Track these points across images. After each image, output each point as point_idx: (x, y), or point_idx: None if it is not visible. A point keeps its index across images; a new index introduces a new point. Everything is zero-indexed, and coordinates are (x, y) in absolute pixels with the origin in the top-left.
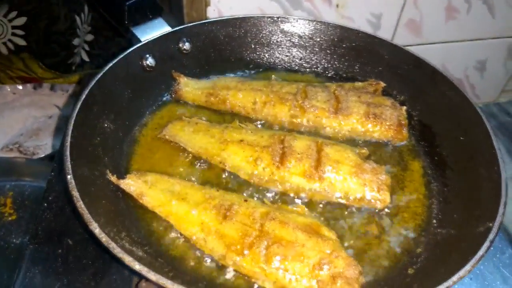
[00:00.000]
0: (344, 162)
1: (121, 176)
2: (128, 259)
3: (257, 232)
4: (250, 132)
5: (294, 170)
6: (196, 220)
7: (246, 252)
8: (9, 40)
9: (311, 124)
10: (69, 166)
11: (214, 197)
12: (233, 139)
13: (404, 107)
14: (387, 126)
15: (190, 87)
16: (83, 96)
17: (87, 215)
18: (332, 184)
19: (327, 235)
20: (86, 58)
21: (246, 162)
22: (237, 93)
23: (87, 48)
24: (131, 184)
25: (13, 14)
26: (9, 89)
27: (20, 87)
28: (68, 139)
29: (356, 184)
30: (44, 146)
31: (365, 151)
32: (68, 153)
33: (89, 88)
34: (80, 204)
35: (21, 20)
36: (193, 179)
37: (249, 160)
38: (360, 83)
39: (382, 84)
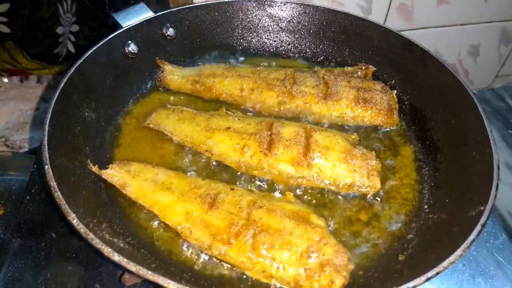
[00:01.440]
0: (333, 148)
1: (103, 166)
2: (107, 250)
3: (243, 221)
4: (237, 119)
5: (282, 157)
6: (181, 209)
7: (232, 241)
8: None
9: (300, 110)
10: (47, 155)
11: (200, 186)
12: (219, 127)
13: (395, 91)
14: (377, 110)
15: (175, 75)
16: (62, 84)
17: (64, 206)
18: (321, 171)
19: (316, 222)
20: (72, 50)
21: (233, 150)
22: (224, 80)
23: (73, 39)
24: (113, 174)
25: None
26: None
27: (6, 80)
28: (46, 127)
29: (345, 170)
30: (31, 139)
31: (355, 136)
32: (46, 142)
33: (68, 75)
34: (58, 195)
35: (4, 7)
36: (178, 168)
37: (236, 147)
38: (349, 68)
39: (372, 68)
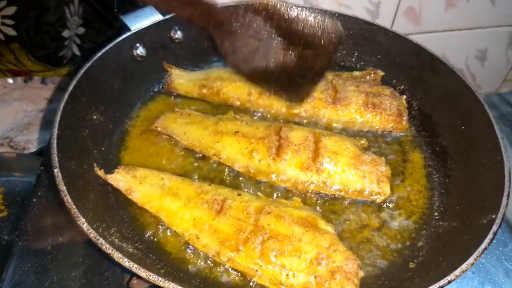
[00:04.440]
0: (342, 154)
1: (111, 169)
2: (117, 256)
3: (251, 227)
4: (245, 123)
5: (290, 162)
6: (188, 216)
7: (241, 248)
8: None
9: (308, 114)
10: (56, 159)
11: (207, 191)
12: (227, 131)
13: (404, 96)
14: (387, 116)
15: (182, 79)
16: (71, 87)
17: (74, 210)
18: (330, 176)
19: (325, 228)
20: (77, 52)
21: (241, 154)
22: (231, 84)
23: (78, 41)
24: (119, 179)
25: (3, 3)
26: None
27: (11, 80)
28: (55, 131)
29: (355, 176)
30: (35, 140)
31: (364, 142)
32: (55, 145)
33: (76, 79)
34: (67, 199)
35: (11, 10)
36: (185, 173)
37: (244, 152)
38: (358, 72)
39: (381, 73)
